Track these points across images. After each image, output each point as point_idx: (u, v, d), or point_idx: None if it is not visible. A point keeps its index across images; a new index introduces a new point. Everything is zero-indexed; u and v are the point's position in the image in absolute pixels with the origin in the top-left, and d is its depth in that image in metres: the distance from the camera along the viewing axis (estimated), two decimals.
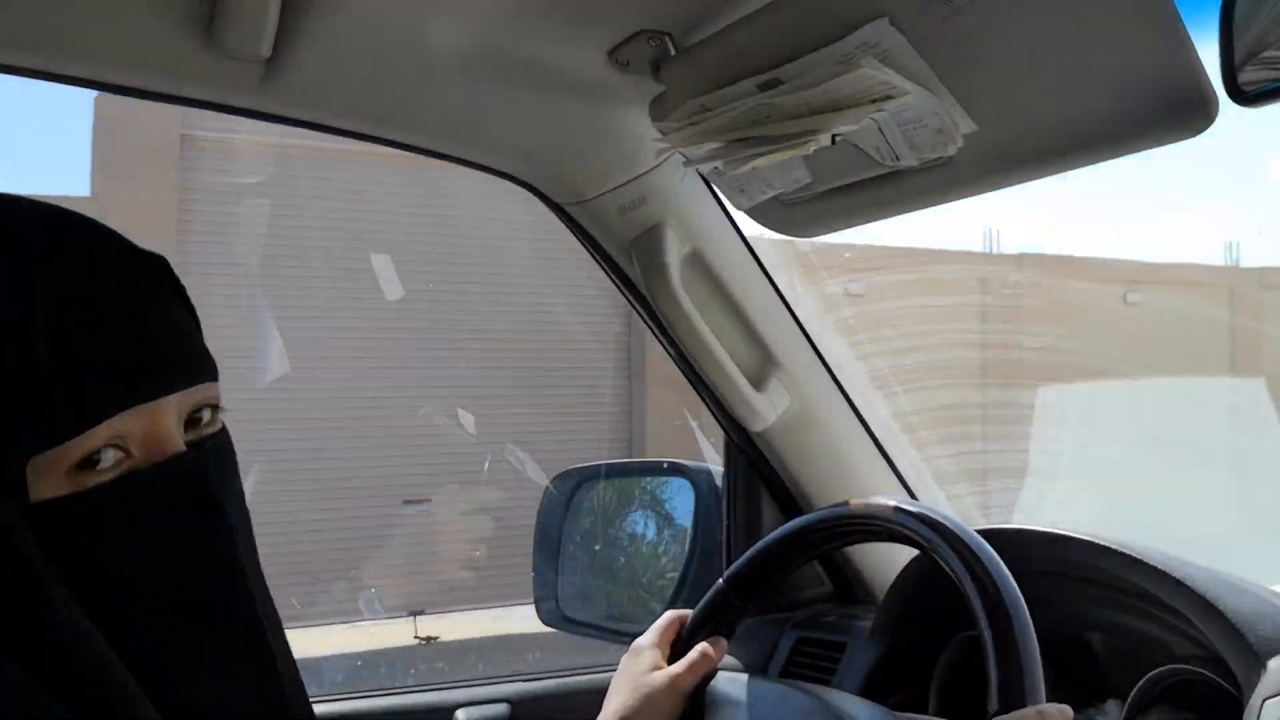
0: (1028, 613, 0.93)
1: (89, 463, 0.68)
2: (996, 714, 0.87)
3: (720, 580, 1.16)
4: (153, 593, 0.69)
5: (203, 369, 0.75)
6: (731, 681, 1.09)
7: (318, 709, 1.37)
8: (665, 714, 1.06)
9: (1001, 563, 0.96)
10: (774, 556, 1.15)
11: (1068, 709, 0.86)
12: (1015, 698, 0.88)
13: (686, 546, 1.78)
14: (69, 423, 0.66)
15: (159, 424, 0.71)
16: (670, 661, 1.10)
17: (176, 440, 0.72)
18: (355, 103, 1.19)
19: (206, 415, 0.76)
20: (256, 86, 1.13)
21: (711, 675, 1.09)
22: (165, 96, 1.15)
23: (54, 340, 0.66)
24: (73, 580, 0.66)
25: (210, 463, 0.74)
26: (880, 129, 1.00)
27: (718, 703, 1.07)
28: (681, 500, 1.81)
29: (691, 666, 1.08)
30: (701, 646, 1.10)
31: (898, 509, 1.03)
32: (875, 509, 1.06)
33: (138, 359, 0.69)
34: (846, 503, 1.10)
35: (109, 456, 0.68)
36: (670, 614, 1.16)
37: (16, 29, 1.03)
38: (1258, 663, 1.01)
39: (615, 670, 1.21)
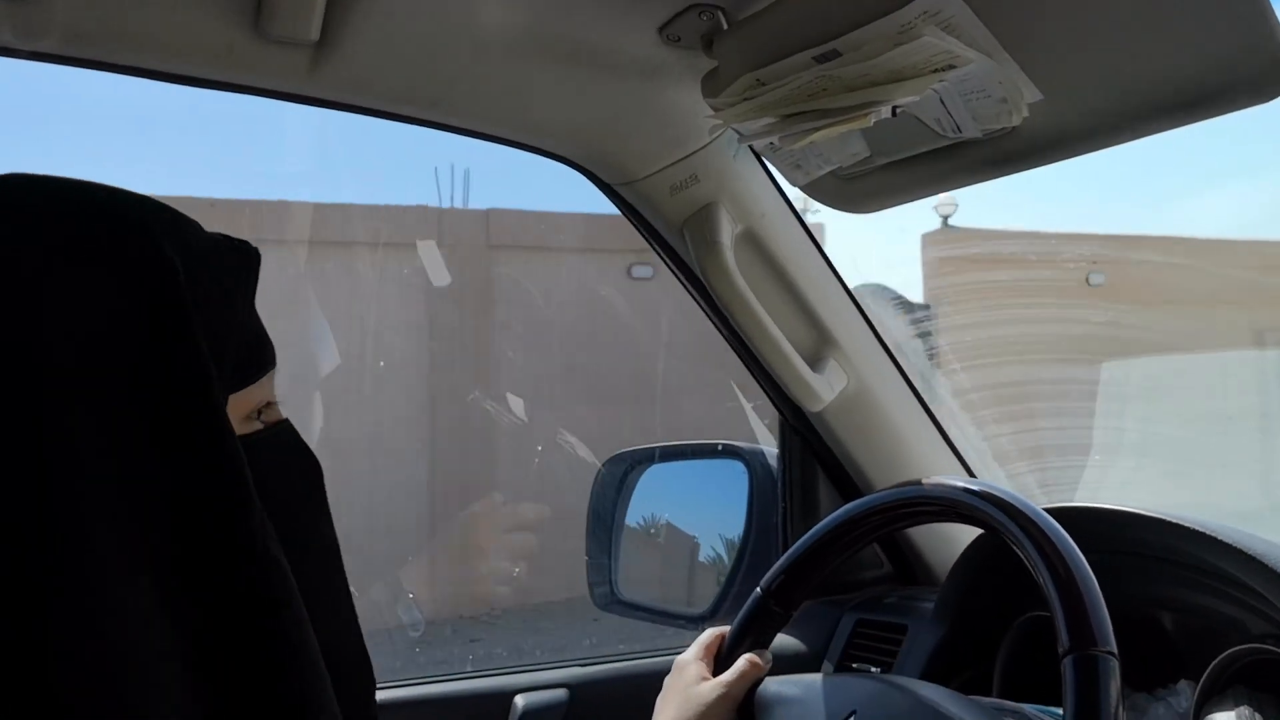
0: (1100, 592, 0.91)
1: (256, 412, 0.74)
2: (1068, 652, 0.85)
3: (757, 589, 1.14)
4: (301, 529, 0.75)
5: None
6: (780, 683, 1.07)
7: (382, 695, 1.38)
8: (724, 714, 1.06)
9: (1072, 541, 0.94)
10: (815, 554, 1.13)
11: None
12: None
13: (742, 529, 1.76)
14: (253, 369, 0.73)
15: (274, 393, 0.77)
16: (714, 676, 1.10)
17: (279, 410, 0.79)
18: (405, 87, 1.18)
19: None
20: (306, 72, 1.12)
21: (758, 684, 1.08)
22: (216, 84, 1.14)
23: (219, 303, 0.71)
24: None
25: None
26: (942, 100, 0.98)
27: (768, 704, 1.05)
28: (736, 482, 1.79)
29: (742, 675, 1.07)
30: (748, 656, 1.09)
31: (964, 489, 1.01)
32: (940, 489, 1.04)
33: (264, 329, 0.77)
34: (919, 482, 1.07)
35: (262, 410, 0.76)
36: (711, 630, 1.16)
37: (66, 20, 1.03)
38: None
39: (673, 654, 1.20)
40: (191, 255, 0.69)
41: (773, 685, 1.07)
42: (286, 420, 0.78)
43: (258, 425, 0.75)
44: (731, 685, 1.07)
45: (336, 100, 1.18)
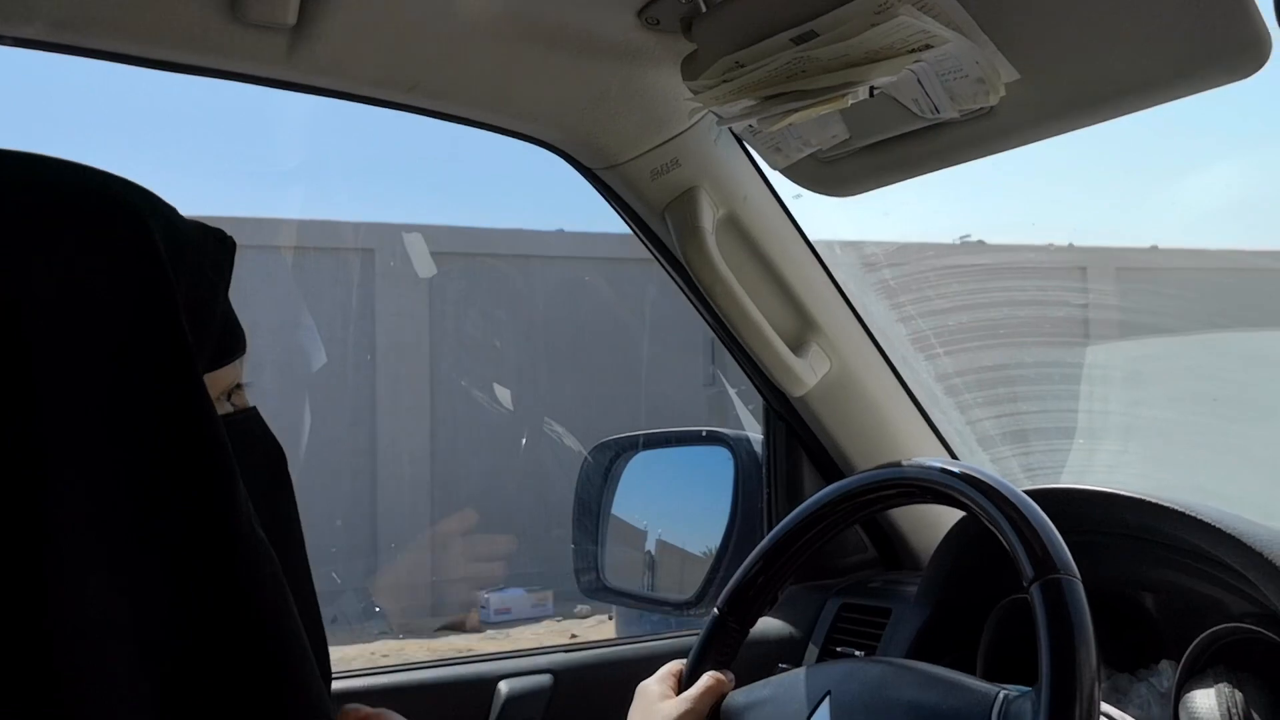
0: (1077, 571, 0.90)
1: (227, 394, 0.75)
2: (1032, 580, 0.86)
3: (715, 609, 1.14)
4: (269, 514, 0.74)
5: None
6: (745, 691, 1.07)
7: (363, 682, 1.38)
8: None
9: (1049, 521, 0.93)
10: (770, 562, 1.12)
11: None
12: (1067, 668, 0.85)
13: (727, 514, 1.76)
14: (227, 352, 0.74)
15: (242, 375, 0.78)
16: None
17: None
18: (383, 70, 1.18)
19: None
20: (284, 57, 1.12)
21: (723, 700, 1.08)
22: (193, 69, 1.13)
23: (200, 287, 0.71)
24: None
25: None
26: (919, 80, 0.98)
27: (738, 712, 1.05)
28: (721, 468, 1.79)
29: (707, 689, 1.07)
30: (712, 672, 1.09)
31: (942, 470, 1.01)
32: (918, 471, 1.04)
33: (236, 315, 0.77)
34: (899, 464, 1.07)
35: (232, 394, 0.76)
36: (673, 662, 1.14)
37: (48, 6, 1.02)
38: None
39: (657, 640, 1.20)
40: (175, 240, 0.70)
41: (739, 695, 1.07)
42: (254, 407, 0.79)
43: (229, 408, 0.76)
44: (696, 700, 1.06)
45: (315, 85, 1.18)
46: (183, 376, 0.66)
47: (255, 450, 0.77)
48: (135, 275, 0.66)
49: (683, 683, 1.11)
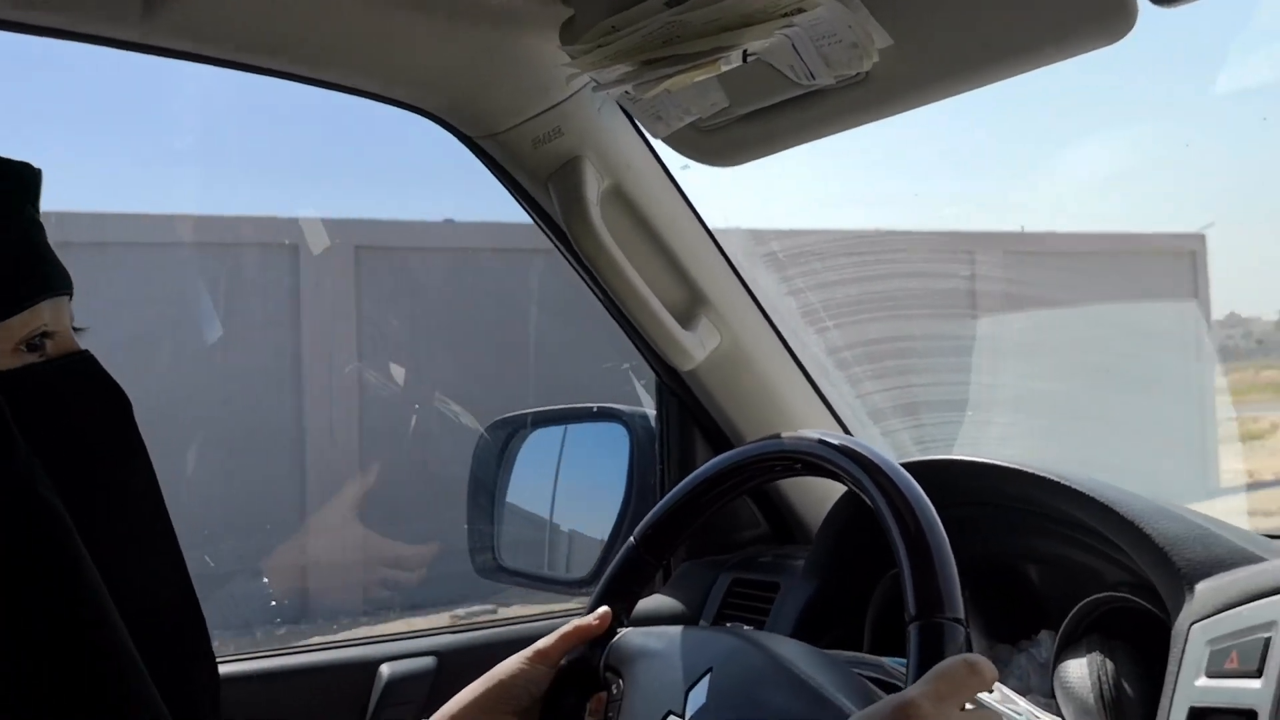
0: (948, 543, 0.89)
1: (31, 344, 0.71)
2: (914, 619, 0.83)
3: (630, 539, 1.11)
4: (84, 466, 0.71)
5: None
6: (644, 635, 1.03)
7: (245, 666, 1.34)
8: (530, 681, 1.00)
9: (922, 492, 0.91)
10: (686, 506, 1.10)
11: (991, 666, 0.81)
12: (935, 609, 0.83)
13: (623, 490, 1.75)
14: (14, 298, 0.69)
15: (63, 322, 0.74)
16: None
17: (75, 341, 0.75)
18: (245, 33, 1.12)
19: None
20: (138, 18, 1.06)
21: (611, 635, 1.03)
22: (40, 30, 1.08)
23: None
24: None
25: None
26: (794, 46, 0.96)
27: (632, 656, 1.02)
28: (616, 444, 1.77)
29: (563, 636, 1.02)
30: (574, 621, 1.04)
31: (819, 441, 0.99)
32: (797, 443, 1.02)
33: (49, 256, 0.73)
34: (778, 436, 1.05)
35: (40, 342, 0.72)
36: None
37: None
38: (1185, 587, 0.99)
39: (544, 620, 1.17)
40: None
41: (637, 637, 1.04)
42: (84, 352, 0.74)
43: (31, 358, 0.71)
44: (546, 646, 1.01)
45: (171, 48, 1.12)
46: None
47: (76, 399, 0.73)
48: None
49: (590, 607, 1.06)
